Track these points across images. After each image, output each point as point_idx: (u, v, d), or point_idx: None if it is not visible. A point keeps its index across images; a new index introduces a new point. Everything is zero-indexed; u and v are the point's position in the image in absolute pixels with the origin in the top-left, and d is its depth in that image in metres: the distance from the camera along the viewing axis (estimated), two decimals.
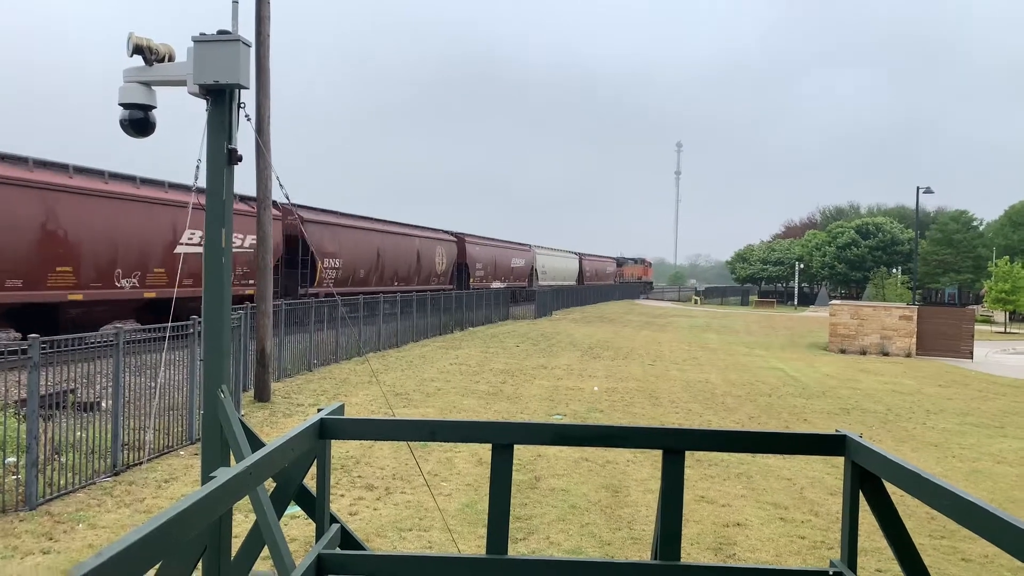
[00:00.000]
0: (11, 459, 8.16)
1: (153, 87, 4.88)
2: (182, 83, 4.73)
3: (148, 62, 4.80)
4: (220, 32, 4.71)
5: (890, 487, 3.34)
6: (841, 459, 3.70)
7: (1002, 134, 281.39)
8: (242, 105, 4.82)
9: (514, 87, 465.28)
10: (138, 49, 4.73)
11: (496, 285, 45.96)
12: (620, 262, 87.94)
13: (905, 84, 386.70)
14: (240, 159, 4.73)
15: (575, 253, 71.12)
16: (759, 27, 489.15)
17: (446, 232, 42.85)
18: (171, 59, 4.87)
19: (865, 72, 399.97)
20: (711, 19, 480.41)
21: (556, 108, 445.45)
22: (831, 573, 3.60)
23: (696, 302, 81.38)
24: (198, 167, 4.75)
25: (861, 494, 3.49)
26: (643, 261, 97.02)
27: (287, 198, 5.62)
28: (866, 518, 3.51)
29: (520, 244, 56.20)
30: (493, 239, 50.58)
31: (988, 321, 52.71)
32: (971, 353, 27.84)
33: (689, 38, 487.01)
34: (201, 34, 4.69)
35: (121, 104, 4.84)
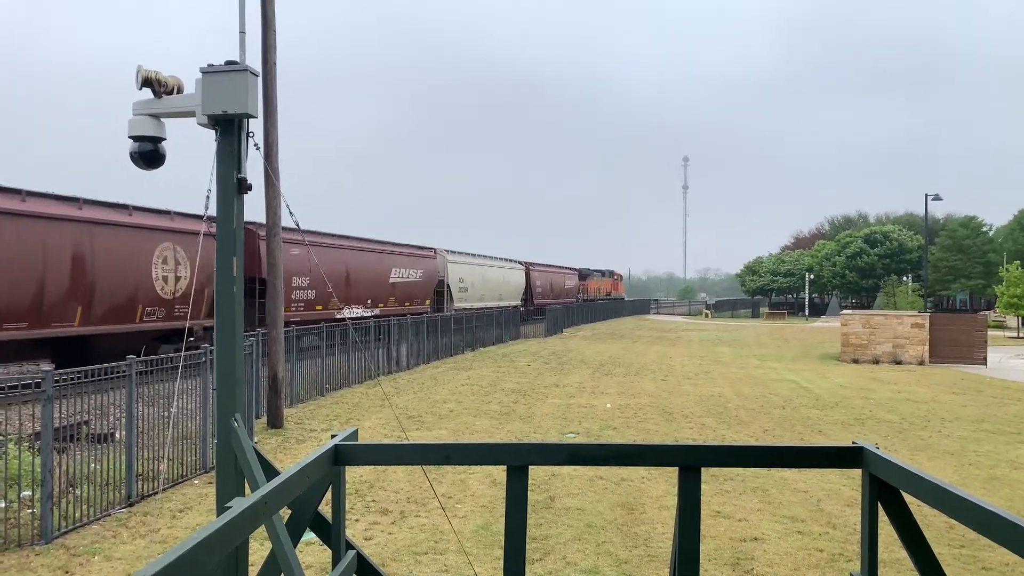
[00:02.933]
0: (26, 493, 8.19)
1: (162, 119, 4.95)
2: (191, 114, 4.80)
3: (157, 94, 4.87)
4: (228, 63, 4.77)
5: (908, 498, 3.32)
6: (858, 471, 3.68)
7: (1010, 138, 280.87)
8: (251, 134, 4.88)
9: (517, 102, 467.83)
10: (147, 82, 4.80)
11: (355, 312, 28.47)
12: (584, 274, 74.32)
13: (912, 96, 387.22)
14: (250, 188, 4.78)
15: (520, 263, 54.99)
16: (766, 43, 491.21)
17: (178, 216, 20.81)
18: (180, 91, 4.94)
19: (874, 86, 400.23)
20: (717, 36, 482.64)
21: (561, 123, 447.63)
22: None
23: (706, 316, 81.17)
24: (208, 197, 4.80)
25: (880, 506, 3.47)
26: (612, 274, 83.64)
27: (297, 225, 5.67)
28: (883, 528, 3.48)
29: (416, 248, 36.84)
30: (339, 236, 29.57)
31: (1001, 326, 52.34)
32: (985, 359, 27.61)
33: (695, 55, 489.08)
34: (209, 65, 4.76)
35: (131, 137, 4.90)
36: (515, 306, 48.08)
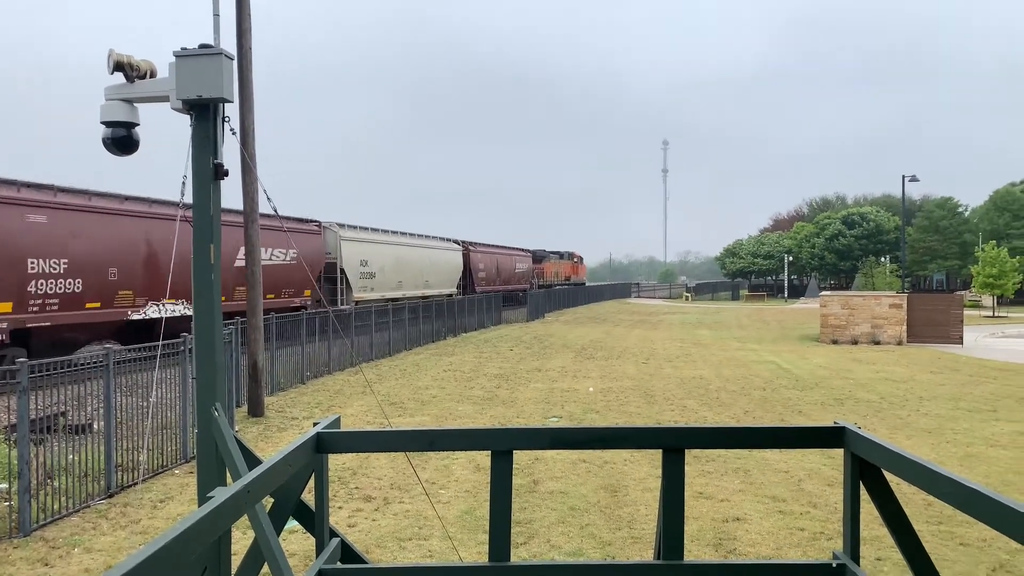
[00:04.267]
0: (3, 485, 8.08)
1: (135, 104, 4.85)
2: (165, 99, 4.71)
3: (130, 79, 4.77)
4: (202, 46, 4.68)
5: (889, 476, 3.34)
6: (839, 451, 3.70)
7: (986, 124, 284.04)
8: (227, 119, 4.80)
9: (505, 94, 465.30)
10: (119, 66, 4.70)
11: (171, 311, 19.12)
12: (539, 257, 65.38)
13: (893, 87, 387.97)
14: (226, 174, 4.70)
15: (457, 242, 44.82)
16: (749, 39, 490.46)
17: None
18: (153, 75, 4.84)
19: (855, 80, 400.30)
20: (702, 31, 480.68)
21: (538, 109, 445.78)
22: (834, 565, 3.60)
23: (687, 299, 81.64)
24: (184, 183, 4.72)
25: (861, 485, 3.50)
26: (572, 256, 74.91)
27: (275, 211, 5.60)
28: (864, 507, 3.51)
29: (289, 221, 26.47)
30: (138, 199, 19.55)
31: (977, 306, 53.11)
32: (961, 338, 28.01)
33: (679, 47, 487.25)
34: (183, 48, 4.66)
35: (103, 123, 4.80)
36: (448, 295, 38.50)
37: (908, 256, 68.60)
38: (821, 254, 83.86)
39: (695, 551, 6.94)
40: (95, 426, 9.31)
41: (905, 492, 7.34)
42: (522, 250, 60.42)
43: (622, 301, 73.20)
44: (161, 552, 2.06)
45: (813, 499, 8.62)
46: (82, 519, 7.99)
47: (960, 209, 77.71)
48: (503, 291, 46.11)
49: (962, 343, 27.76)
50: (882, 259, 77.29)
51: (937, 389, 16.98)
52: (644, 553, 6.85)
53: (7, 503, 7.85)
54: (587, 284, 76.59)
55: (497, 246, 54.10)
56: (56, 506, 8.00)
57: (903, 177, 42.95)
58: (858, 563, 3.50)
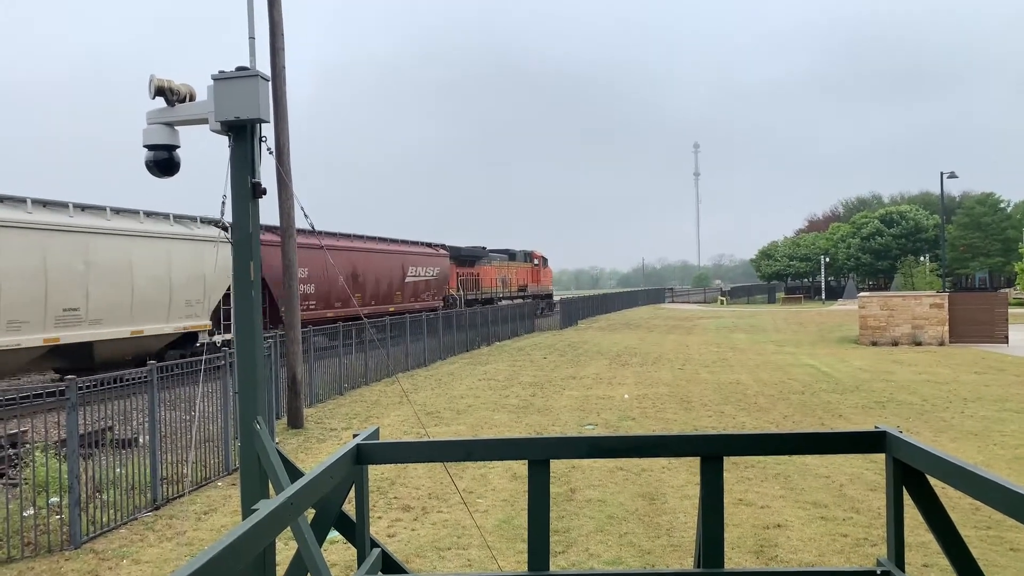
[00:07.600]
0: (54, 499, 8.31)
1: (176, 127, 4.99)
2: (204, 121, 4.84)
3: (170, 103, 4.91)
4: (238, 68, 4.80)
5: (933, 480, 3.30)
6: (881, 455, 3.66)
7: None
8: (263, 139, 4.91)
9: (541, 101, 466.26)
10: (160, 91, 4.84)
11: None
12: (469, 258, 42.43)
13: (929, 86, 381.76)
14: (264, 192, 4.82)
15: (219, 224, 19.56)
16: (786, 42, 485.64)
17: None
18: (192, 98, 4.98)
19: (892, 80, 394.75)
20: (736, 32, 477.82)
21: (576, 121, 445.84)
22: (879, 572, 3.56)
23: (722, 303, 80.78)
24: (223, 202, 4.85)
25: (905, 490, 3.45)
26: (530, 257, 52.39)
27: (311, 227, 5.70)
28: (908, 512, 3.47)
29: None
30: None
31: (1022, 304, 51.75)
32: (1006, 338, 27.31)
33: (710, 49, 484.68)
34: (220, 71, 4.79)
35: (146, 146, 4.95)
36: (171, 337, 19.08)
37: (948, 254, 67.14)
38: (858, 254, 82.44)
39: (735, 559, 6.87)
40: (140, 440, 9.53)
41: (951, 496, 7.20)
42: (430, 246, 36.26)
43: (656, 306, 72.67)
44: (209, 564, 2.12)
45: (855, 504, 8.49)
46: (130, 531, 8.18)
47: (1002, 205, 75.93)
48: (374, 314, 26.27)
49: (1007, 342, 27.08)
50: (921, 258, 75.71)
51: (982, 390, 16.59)
52: (684, 561, 6.81)
53: (58, 516, 8.07)
54: (549, 295, 54.72)
55: (361, 236, 29.98)
56: (105, 519, 8.20)
57: (941, 174, 42.22)
58: (903, 569, 3.46)
